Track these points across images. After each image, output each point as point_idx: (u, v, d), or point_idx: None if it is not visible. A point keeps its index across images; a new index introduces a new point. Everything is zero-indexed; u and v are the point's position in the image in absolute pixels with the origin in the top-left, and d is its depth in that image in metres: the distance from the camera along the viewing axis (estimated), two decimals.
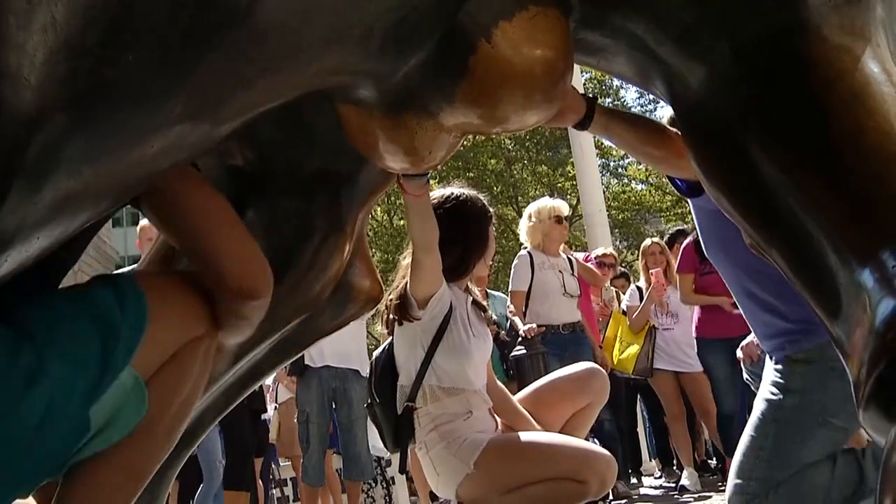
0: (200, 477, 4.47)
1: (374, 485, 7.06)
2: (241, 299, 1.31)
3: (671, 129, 1.84)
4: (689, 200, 2.24)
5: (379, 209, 16.88)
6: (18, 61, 0.75)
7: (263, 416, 5.81)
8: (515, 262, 5.06)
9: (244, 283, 1.30)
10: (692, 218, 2.36)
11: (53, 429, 1.12)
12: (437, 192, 2.53)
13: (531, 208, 5.10)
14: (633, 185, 20.23)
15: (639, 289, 5.62)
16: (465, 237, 2.50)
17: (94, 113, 0.85)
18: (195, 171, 1.42)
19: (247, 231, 1.37)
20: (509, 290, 5.07)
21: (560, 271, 4.92)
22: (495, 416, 2.48)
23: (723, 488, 4.64)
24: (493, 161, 18.61)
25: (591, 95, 1.85)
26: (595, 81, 18.42)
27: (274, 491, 6.99)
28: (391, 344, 2.57)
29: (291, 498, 7.17)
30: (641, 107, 20.19)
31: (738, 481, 2.05)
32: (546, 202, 5.16)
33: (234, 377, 1.88)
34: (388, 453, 5.44)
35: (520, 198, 18.37)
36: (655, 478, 6.62)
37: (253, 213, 1.71)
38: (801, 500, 1.97)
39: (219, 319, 1.31)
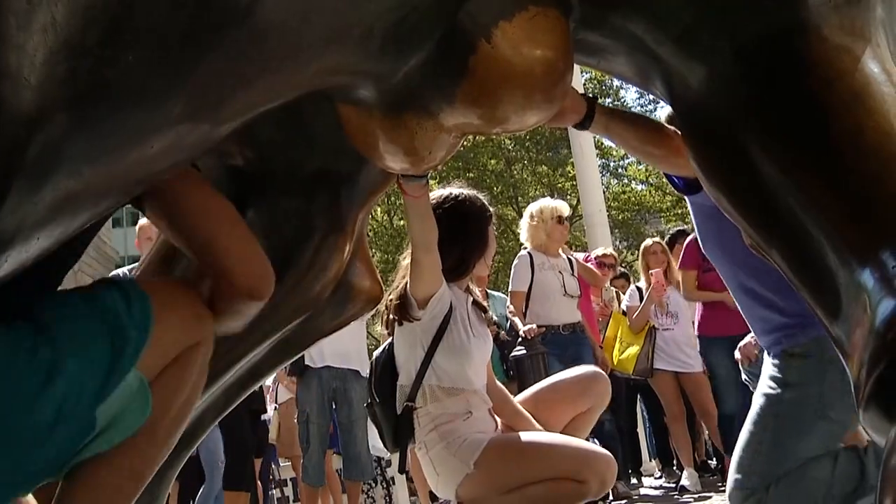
0: (200, 477, 4.47)
1: (374, 485, 7.06)
2: (242, 298, 1.32)
3: (669, 127, 1.85)
4: (686, 198, 2.25)
5: (379, 209, 16.88)
6: (18, 61, 0.75)
7: (263, 417, 5.81)
8: (515, 262, 5.06)
9: (246, 282, 1.32)
10: (692, 218, 2.36)
11: (64, 427, 1.14)
12: (436, 193, 2.53)
13: (533, 208, 5.10)
14: (633, 185, 20.23)
15: (639, 289, 5.62)
16: (464, 237, 2.50)
17: (94, 113, 0.85)
18: (195, 171, 1.42)
19: (248, 230, 1.38)
20: (509, 290, 5.07)
21: (560, 272, 4.91)
22: (495, 416, 2.48)
23: (723, 488, 4.63)
24: (493, 161, 18.61)
25: (591, 95, 1.86)
26: (595, 81, 18.43)
27: (274, 491, 6.99)
28: (392, 344, 2.57)
29: (291, 498, 7.17)
30: (641, 107, 20.19)
31: (738, 476, 2.06)
32: (548, 202, 5.16)
33: (234, 377, 1.88)
34: (388, 453, 5.44)
35: (520, 198, 18.37)
36: (655, 478, 6.62)
37: (253, 213, 1.71)
38: (802, 495, 1.97)
39: (216, 314, 1.32)
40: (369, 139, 1.39)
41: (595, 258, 5.88)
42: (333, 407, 5.02)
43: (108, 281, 1.30)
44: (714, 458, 6.22)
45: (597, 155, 10.37)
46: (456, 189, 2.58)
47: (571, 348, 4.75)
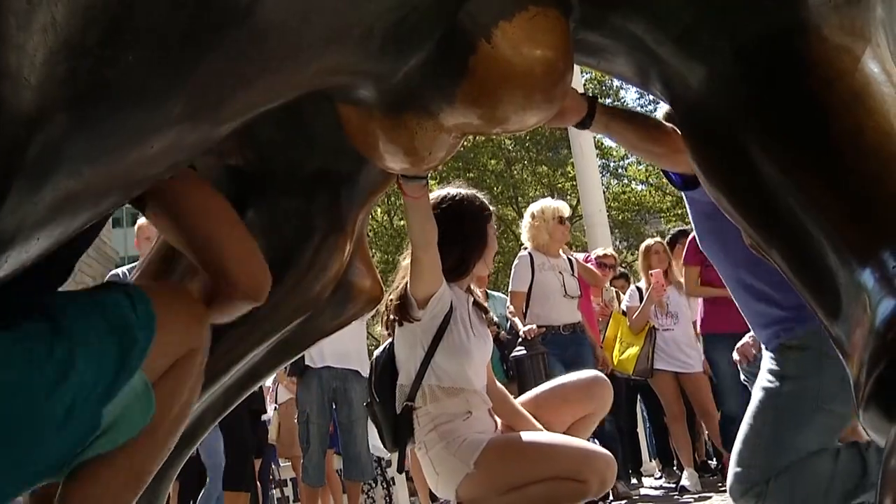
0: (200, 477, 4.47)
1: (374, 485, 7.06)
2: (240, 298, 1.34)
3: (667, 124, 1.86)
4: (684, 194, 2.26)
5: (379, 209, 16.88)
6: (18, 61, 0.75)
7: (263, 417, 5.81)
8: (516, 262, 5.06)
9: (245, 283, 1.33)
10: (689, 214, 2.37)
11: (73, 424, 1.15)
12: (434, 194, 2.53)
13: (534, 208, 5.09)
14: (634, 185, 20.22)
15: (639, 289, 5.62)
16: (463, 237, 2.50)
17: (94, 113, 0.85)
18: (194, 172, 1.43)
19: (247, 231, 1.39)
20: (509, 290, 5.07)
21: (560, 272, 4.91)
22: (495, 416, 2.48)
23: (723, 488, 4.63)
24: (493, 161, 18.60)
25: (591, 95, 1.87)
26: (595, 81, 18.42)
27: (274, 491, 6.99)
28: (392, 343, 2.57)
29: (291, 498, 7.17)
30: (641, 107, 20.16)
31: (738, 469, 2.06)
32: (549, 202, 5.16)
33: (234, 378, 1.88)
34: (389, 454, 5.44)
35: (520, 198, 18.37)
36: (655, 478, 6.62)
37: (253, 213, 1.71)
38: (802, 488, 1.98)
39: (211, 312, 1.35)
40: (369, 139, 1.39)
41: (595, 258, 5.88)
42: (333, 407, 5.02)
43: (112, 284, 1.32)
44: (714, 459, 6.22)
45: (597, 155, 10.38)
46: (453, 189, 2.58)
47: (571, 348, 4.75)
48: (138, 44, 0.83)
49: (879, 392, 0.98)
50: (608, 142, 18.18)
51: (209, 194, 1.37)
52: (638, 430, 6.90)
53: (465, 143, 12.09)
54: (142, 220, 4.24)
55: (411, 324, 2.42)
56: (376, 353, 2.68)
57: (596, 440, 4.64)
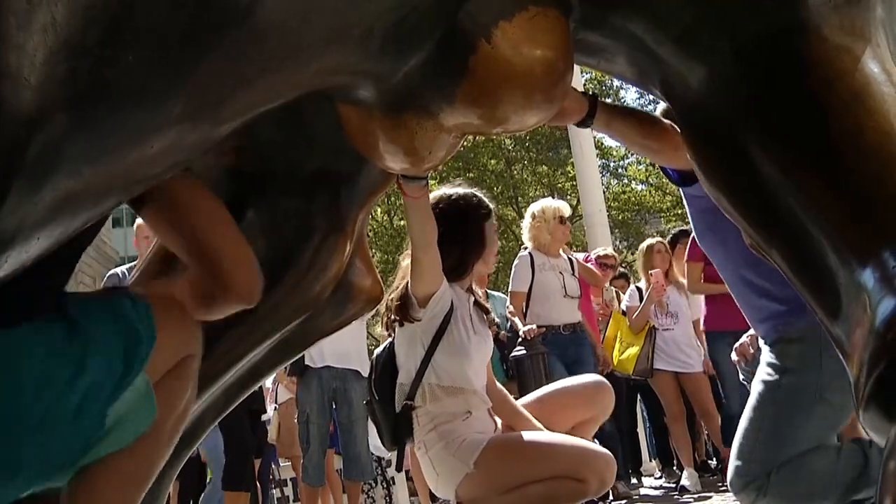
0: (200, 477, 4.48)
1: (374, 485, 7.06)
2: (234, 299, 1.35)
3: (665, 120, 1.87)
4: (682, 191, 2.26)
5: (379, 209, 16.88)
6: (18, 61, 0.75)
7: (263, 417, 5.81)
8: (516, 262, 5.06)
9: (239, 284, 1.35)
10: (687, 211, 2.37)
11: (82, 422, 1.17)
12: (434, 193, 2.53)
13: (535, 208, 5.09)
14: (634, 185, 20.22)
15: (638, 289, 5.62)
16: (462, 237, 2.50)
17: (94, 113, 0.86)
18: (189, 173, 1.43)
19: (240, 232, 1.40)
20: (509, 290, 5.06)
21: (560, 272, 4.91)
22: (494, 416, 2.48)
23: (723, 488, 4.64)
24: (493, 161, 18.60)
25: (591, 93, 1.88)
26: (595, 81, 18.41)
27: (274, 491, 6.99)
28: (393, 342, 2.57)
29: (291, 498, 7.17)
30: (641, 106, 20.13)
31: (738, 463, 2.06)
32: (549, 202, 5.17)
33: (234, 377, 1.88)
34: (389, 453, 5.44)
35: (520, 198, 18.37)
36: (655, 478, 6.62)
37: (253, 213, 1.71)
38: (803, 483, 1.97)
39: (202, 309, 1.37)
40: (369, 139, 1.39)
41: (595, 258, 5.88)
42: (333, 407, 5.02)
43: (116, 287, 1.37)
44: (714, 458, 6.22)
45: (597, 155, 10.37)
46: (451, 189, 2.58)
47: (572, 348, 4.75)
48: (138, 44, 0.83)
49: (879, 392, 0.98)
50: (608, 141, 18.21)
51: (203, 196, 1.38)
52: (638, 429, 6.90)
53: (465, 143, 12.08)
54: (141, 220, 4.22)
55: (412, 323, 2.42)
56: (377, 351, 2.68)
57: (596, 440, 4.64)
